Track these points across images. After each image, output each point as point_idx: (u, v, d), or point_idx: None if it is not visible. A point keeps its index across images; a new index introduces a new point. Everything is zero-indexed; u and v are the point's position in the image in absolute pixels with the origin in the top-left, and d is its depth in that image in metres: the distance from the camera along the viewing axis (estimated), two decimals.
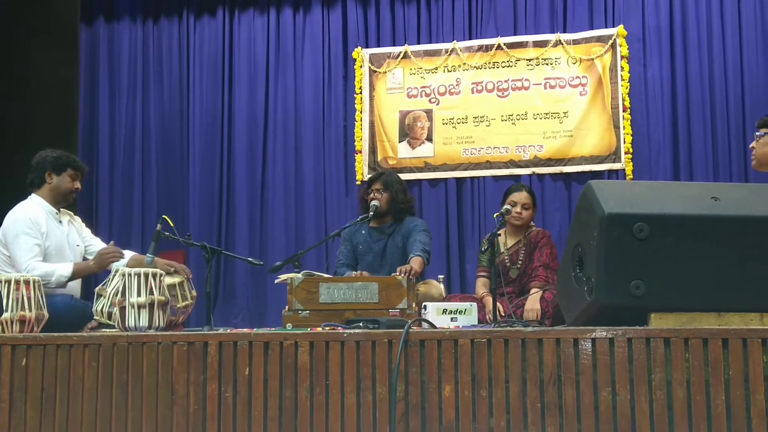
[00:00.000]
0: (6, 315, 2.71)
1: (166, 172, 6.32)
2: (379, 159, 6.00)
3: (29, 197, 3.57)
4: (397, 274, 3.49)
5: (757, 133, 3.18)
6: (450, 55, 5.94)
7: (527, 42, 5.84)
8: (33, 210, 3.47)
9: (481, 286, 4.21)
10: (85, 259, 3.72)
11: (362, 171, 5.96)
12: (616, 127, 5.61)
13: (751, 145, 3.21)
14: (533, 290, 3.91)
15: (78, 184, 3.63)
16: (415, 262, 3.84)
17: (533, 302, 3.79)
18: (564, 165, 5.69)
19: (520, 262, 4.15)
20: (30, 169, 3.59)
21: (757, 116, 3.35)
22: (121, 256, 3.49)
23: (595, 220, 2.32)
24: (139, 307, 2.69)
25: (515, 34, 5.89)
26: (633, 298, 2.27)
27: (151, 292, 2.73)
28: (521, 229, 4.23)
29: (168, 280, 3.06)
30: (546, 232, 4.26)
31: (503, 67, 5.87)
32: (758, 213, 2.35)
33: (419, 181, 5.92)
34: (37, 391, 2.43)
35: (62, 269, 3.36)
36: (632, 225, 2.27)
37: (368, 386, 2.27)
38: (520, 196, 4.18)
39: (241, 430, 2.31)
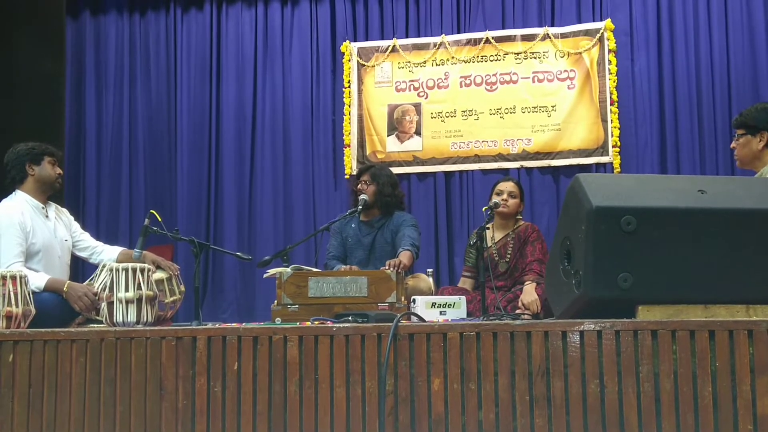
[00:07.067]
0: None
1: (153, 166, 6.30)
2: (367, 153, 6.00)
3: (14, 194, 3.54)
4: (386, 268, 3.49)
5: (734, 134, 3.19)
6: (438, 48, 5.94)
7: (515, 36, 5.85)
8: (18, 208, 3.43)
9: (463, 286, 4.25)
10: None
11: (351, 165, 5.96)
12: (604, 120, 5.63)
13: (732, 145, 3.22)
14: (527, 283, 3.92)
15: (59, 170, 3.60)
16: (404, 256, 3.85)
17: (530, 293, 3.81)
18: (552, 158, 5.71)
19: (508, 256, 4.16)
20: (7, 167, 3.54)
21: (742, 109, 3.36)
22: (91, 311, 3.19)
23: (582, 214, 2.33)
24: (127, 302, 2.68)
25: (503, 28, 5.90)
26: (621, 290, 2.28)
27: (139, 287, 2.71)
28: (509, 223, 4.24)
29: (156, 275, 3.05)
30: (535, 227, 4.27)
31: (491, 60, 5.88)
32: (744, 206, 2.37)
33: (408, 174, 5.92)
34: (24, 387, 2.42)
35: (36, 280, 3.22)
36: (620, 218, 2.28)
37: (357, 380, 2.27)
38: (507, 185, 4.24)
39: (230, 425, 2.31)
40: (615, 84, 5.63)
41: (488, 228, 4.17)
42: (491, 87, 5.87)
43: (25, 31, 5.19)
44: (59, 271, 3.52)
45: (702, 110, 5.54)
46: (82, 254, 3.72)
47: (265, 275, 3.44)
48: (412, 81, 5.99)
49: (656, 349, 2.15)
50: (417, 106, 5.97)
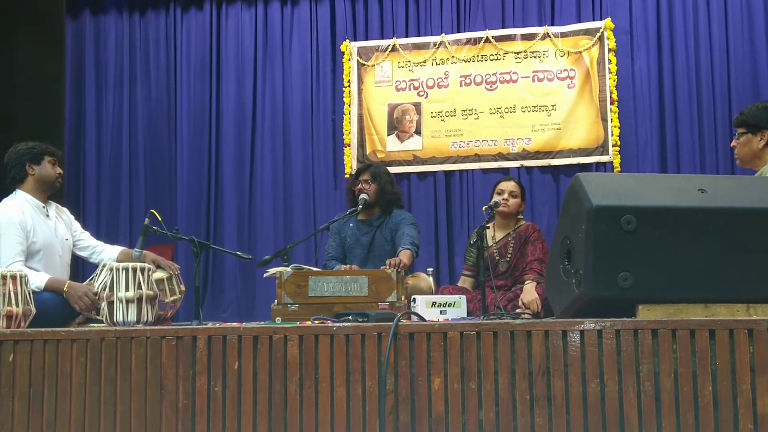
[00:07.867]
0: None
1: (153, 165, 6.30)
2: (367, 152, 5.99)
3: (14, 193, 3.54)
4: (387, 267, 3.49)
5: (735, 133, 3.18)
6: (438, 48, 5.94)
7: (515, 35, 5.84)
8: (18, 208, 3.43)
9: (463, 285, 4.25)
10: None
11: (351, 164, 5.96)
12: (604, 119, 5.63)
13: (732, 144, 3.22)
14: (527, 282, 3.92)
15: (59, 169, 3.60)
16: (404, 256, 3.85)
17: (530, 293, 3.80)
18: (552, 158, 5.71)
19: (509, 256, 4.16)
20: (7, 167, 3.55)
21: (743, 108, 3.36)
22: (92, 311, 3.19)
23: (583, 213, 2.33)
24: (128, 301, 2.68)
25: (503, 27, 5.89)
26: (621, 290, 2.28)
27: (140, 287, 2.71)
28: (510, 222, 4.24)
29: (156, 274, 3.05)
30: (536, 227, 4.27)
31: (491, 60, 5.88)
32: (744, 204, 2.36)
33: (408, 174, 5.92)
34: (24, 387, 2.42)
35: (36, 279, 3.22)
36: (620, 217, 2.28)
37: (358, 379, 2.27)
38: (508, 185, 4.23)
39: (230, 425, 2.31)
40: (615, 83, 5.63)
41: (489, 227, 4.17)
42: (491, 86, 5.86)
43: (25, 31, 5.19)
44: (60, 270, 3.52)
45: (702, 109, 5.54)
46: (83, 253, 3.72)
47: (265, 275, 3.44)
48: (412, 80, 5.99)
49: (656, 348, 2.15)
50: (417, 106, 5.97)
